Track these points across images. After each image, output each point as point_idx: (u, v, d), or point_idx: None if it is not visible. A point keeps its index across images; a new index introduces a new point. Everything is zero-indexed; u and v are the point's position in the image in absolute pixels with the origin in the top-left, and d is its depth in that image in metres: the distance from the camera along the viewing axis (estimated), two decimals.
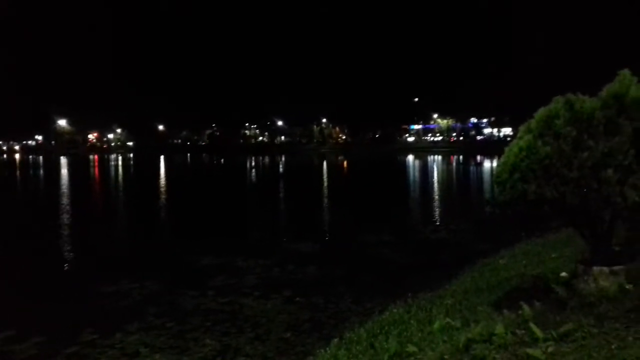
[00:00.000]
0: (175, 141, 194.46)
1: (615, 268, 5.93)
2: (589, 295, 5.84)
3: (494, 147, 68.92)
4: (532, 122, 6.14)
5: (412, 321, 7.65)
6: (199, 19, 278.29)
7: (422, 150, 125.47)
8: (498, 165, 6.45)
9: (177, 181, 54.62)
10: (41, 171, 78.54)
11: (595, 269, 5.95)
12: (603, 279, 5.88)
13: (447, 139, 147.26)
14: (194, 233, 22.22)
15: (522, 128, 6.32)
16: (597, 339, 4.74)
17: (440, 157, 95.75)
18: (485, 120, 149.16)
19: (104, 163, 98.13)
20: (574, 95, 5.97)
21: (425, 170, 65.19)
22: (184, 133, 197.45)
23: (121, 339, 10.06)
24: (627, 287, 5.84)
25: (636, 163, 5.58)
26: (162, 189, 44.75)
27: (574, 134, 5.74)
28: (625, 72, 5.87)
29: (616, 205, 5.68)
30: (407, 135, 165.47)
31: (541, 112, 6.09)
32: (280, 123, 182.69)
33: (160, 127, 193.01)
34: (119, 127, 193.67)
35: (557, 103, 6.01)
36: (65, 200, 35.47)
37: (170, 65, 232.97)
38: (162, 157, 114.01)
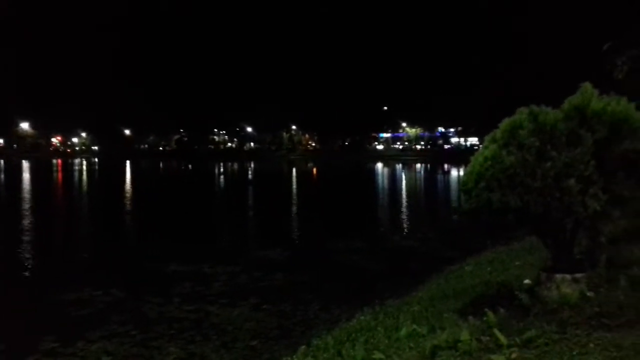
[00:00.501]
0: (142, 146, 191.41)
1: (577, 275, 6.07)
2: (551, 302, 5.95)
3: (460, 156, 70.07)
4: (497, 132, 6.25)
5: (379, 328, 7.67)
6: (166, 23, 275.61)
7: (391, 158, 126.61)
8: (464, 174, 6.55)
9: (143, 187, 53.78)
10: (2, 175, 76.26)
11: (558, 276, 6.07)
12: (565, 286, 6.01)
13: (410, 147, 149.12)
14: (160, 239, 21.83)
15: (487, 138, 6.43)
16: (559, 345, 4.84)
17: (409, 165, 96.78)
18: (452, 130, 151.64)
19: (67, 167, 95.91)
20: (537, 107, 6.11)
21: (394, 178, 65.78)
22: (151, 138, 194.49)
23: (83, 347, 9.82)
24: (588, 294, 5.98)
25: (597, 174, 5.74)
26: (128, 195, 43.98)
27: (537, 144, 5.87)
28: (587, 85, 6.05)
29: (578, 215, 5.82)
30: (376, 143, 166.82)
31: (506, 122, 6.21)
32: (249, 129, 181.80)
33: (127, 132, 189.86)
34: (83, 131, 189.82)
35: (521, 114, 6.14)
36: (25, 205, 34.47)
37: (137, 69, 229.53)
38: (128, 162, 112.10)
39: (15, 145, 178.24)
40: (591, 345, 4.72)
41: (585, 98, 5.93)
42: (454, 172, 68.87)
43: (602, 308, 5.57)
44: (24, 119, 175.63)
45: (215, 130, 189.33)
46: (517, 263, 10.60)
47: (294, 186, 55.27)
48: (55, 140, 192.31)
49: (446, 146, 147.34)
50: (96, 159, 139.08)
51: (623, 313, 5.39)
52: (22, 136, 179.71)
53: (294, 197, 43.44)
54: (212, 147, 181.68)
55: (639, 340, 4.65)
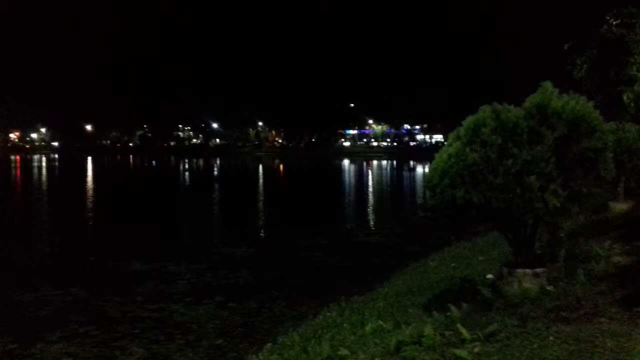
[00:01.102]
0: (105, 142, 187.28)
1: (538, 270, 6.20)
2: (513, 296, 6.07)
3: (426, 153, 70.89)
4: (461, 130, 6.32)
5: (345, 324, 7.69)
6: (128, 16, 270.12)
7: (358, 154, 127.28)
8: (429, 171, 6.61)
9: (105, 183, 52.62)
10: None
11: (519, 271, 6.19)
12: (526, 280, 6.14)
13: (369, 144, 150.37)
14: (122, 237, 21.39)
15: (451, 135, 6.51)
16: (520, 339, 4.93)
17: (376, 162, 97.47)
18: (418, 127, 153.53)
19: (26, 164, 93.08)
20: (500, 105, 6.21)
21: (360, 175, 66.16)
22: (114, 134, 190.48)
23: (42, 348, 9.54)
24: (548, 288, 6.13)
25: (556, 171, 5.87)
26: (88, 192, 42.95)
27: (500, 141, 5.97)
28: (547, 84, 6.17)
29: (538, 210, 5.95)
30: (342, 140, 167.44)
31: (469, 120, 6.29)
32: (215, 125, 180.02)
33: (88, 128, 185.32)
34: (43, 126, 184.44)
35: (484, 112, 6.22)
36: None
37: (99, 63, 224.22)
38: (89, 159, 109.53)
39: None
40: (551, 338, 4.82)
41: (546, 97, 6.05)
42: (419, 169, 69.67)
43: (561, 301, 5.71)
44: None
45: (180, 126, 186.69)
46: (480, 258, 10.79)
47: (260, 183, 55.01)
48: (13, 135, 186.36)
49: (412, 143, 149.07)
50: (56, 155, 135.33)
51: (581, 306, 5.54)
52: None
53: (260, 193, 43.24)
54: (176, 143, 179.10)
55: (597, 332, 4.78)
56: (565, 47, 17.08)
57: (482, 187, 5.95)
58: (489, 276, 7.35)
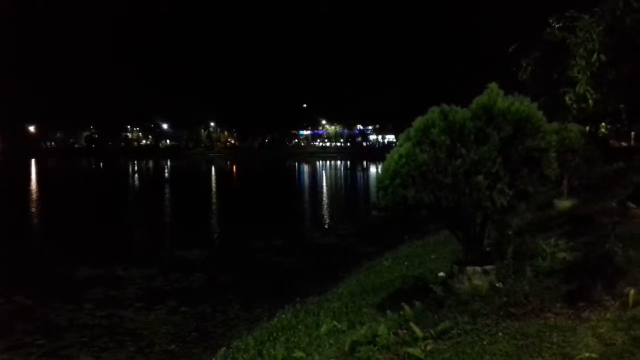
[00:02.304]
0: (49, 144, 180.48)
1: (487, 267, 6.35)
2: (463, 293, 6.19)
3: (378, 153, 71.71)
4: (411, 131, 6.41)
5: (300, 326, 7.68)
6: (74, 14, 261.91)
7: (311, 155, 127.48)
8: (381, 171, 6.67)
9: (49, 187, 50.74)
10: None
11: (469, 268, 6.32)
12: (476, 278, 6.27)
13: (323, 144, 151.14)
14: (68, 242, 20.67)
15: (402, 136, 6.58)
16: (471, 336, 5.03)
17: (329, 162, 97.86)
18: (370, 127, 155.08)
19: None
20: (447, 106, 6.32)
21: (314, 175, 66.29)
22: (58, 135, 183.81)
23: None
24: (497, 285, 6.28)
25: (503, 170, 6.02)
26: (32, 195, 41.30)
27: (448, 142, 6.08)
28: (493, 86, 6.31)
29: (486, 209, 6.09)
30: (296, 140, 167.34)
31: (419, 121, 6.37)
32: (165, 126, 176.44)
33: (31, 129, 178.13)
34: None
35: (433, 113, 6.32)
36: None
37: (41, 61, 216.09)
38: (32, 161, 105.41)
39: None
40: (500, 334, 4.94)
41: (492, 98, 6.20)
42: (372, 169, 70.43)
43: (509, 298, 5.86)
44: None
45: (128, 126, 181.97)
46: (432, 256, 10.99)
47: (213, 184, 54.31)
48: None
49: (364, 143, 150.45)
50: None
51: (529, 302, 5.70)
52: None
53: (213, 195, 42.68)
54: (124, 144, 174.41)
55: (544, 327, 4.93)
56: (511, 49, 17.59)
57: (432, 187, 6.05)
58: (441, 274, 7.49)
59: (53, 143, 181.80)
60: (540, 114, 6.28)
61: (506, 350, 4.58)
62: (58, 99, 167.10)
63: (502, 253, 7.21)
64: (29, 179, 60.22)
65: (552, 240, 7.59)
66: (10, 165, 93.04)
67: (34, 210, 32.45)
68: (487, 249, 7.13)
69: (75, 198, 39.09)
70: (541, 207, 11.35)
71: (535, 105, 6.32)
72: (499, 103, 6.14)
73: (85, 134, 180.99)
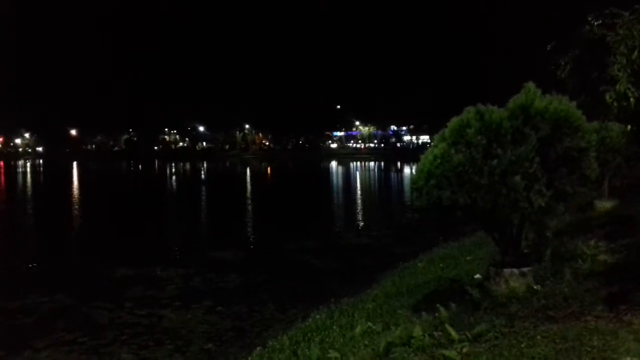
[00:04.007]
0: (90, 147, 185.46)
1: (524, 269, 6.25)
2: (500, 296, 6.11)
3: (412, 154, 71.09)
4: (446, 131, 6.36)
5: (334, 327, 7.70)
6: (114, 19, 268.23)
7: (345, 156, 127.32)
8: (415, 173, 6.63)
9: (91, 189, 52.13)
10: None
11: (506, 270, 6.23)
12: (513, 280, 6.18)
13: (357, 146, 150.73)
14: (110, 242, 21.26)
15: (437, 136, 6.54)
16: (508, 339, 4.97)
17: (362, 164, 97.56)
18: (404, 128, 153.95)
19: (10, 169, 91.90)
20: (483, 106, 6.25)
21: (348, 176, 66.20)
22: (99, 138, 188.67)
23: (30, 356, 9.48)
24: (535, 287, 6.18)
25: (541, 170, 5.92)
26: (74, 197, 42.51)
27: (484, 142, 6.01)
28: (531, 85, 6.22)
29: (524, 210, 5.99)
30: (330, 141, 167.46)
31: (454, 121, 6.32)
32: (201, 128, 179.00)
33: (73, 132, 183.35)
34: (27, 131, 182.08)
35: (469, 113, 6.26)
36: None
37: (83, 66, 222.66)
38: (74, 164, 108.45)
39: None
40: (538, 337, 4.86)
41: (529, 97, 6.10)
42: (406, 170, 69.87)
43: (548, 300, 5.76)
44: None
45: (166, 129, 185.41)
46: (468, 258, 10.86)
47: (248, 186, 54.84)
48: None
49: (398, 144, 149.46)
50: (41, 161, 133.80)
51: (568, 305, 5.58)
52: None
53: (248, 197, 43.09)
54: (162, 146, 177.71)
55: (584, 331, 4.83)
56: (549, 47, 17.21)
57: (468, 188, 5.99)
58: (477, 276, 7.40)
59: (93, 146, 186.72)
60: (579, 113, 6.15)
61: (545, 353, 4.50)
62: (99, 103, 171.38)
63: (540, 255, 7.09)
64: (72, 181, 61.99)
65: (592, 242, 7.43)
66: (54, 167, 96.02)
67: (75, 211, 33.40)
68: (525, 251, 7.02)
69: (115, 199, 40.07)
70: (581, 208, 11.08)
71: (574, 104, 6.19)
72: (536, 102, 6.04)
73: (125, 137, 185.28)
